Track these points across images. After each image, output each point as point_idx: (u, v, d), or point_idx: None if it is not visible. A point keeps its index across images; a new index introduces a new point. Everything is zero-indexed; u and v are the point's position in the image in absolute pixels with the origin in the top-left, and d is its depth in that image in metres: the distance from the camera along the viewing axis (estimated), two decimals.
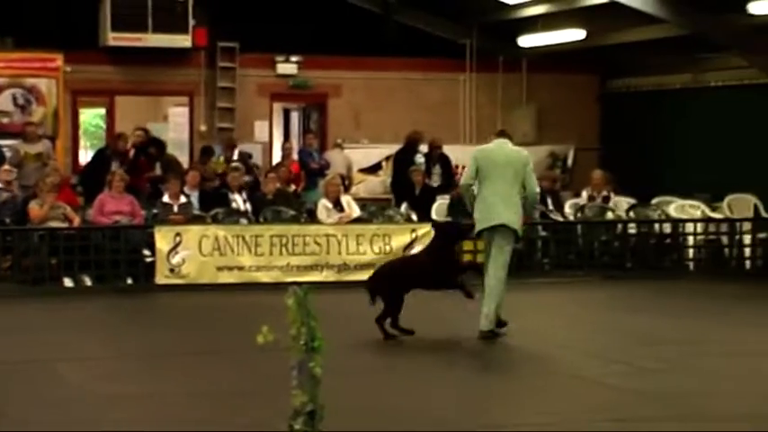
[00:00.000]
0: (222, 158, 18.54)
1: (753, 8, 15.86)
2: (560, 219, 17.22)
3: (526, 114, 21.89)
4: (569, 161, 21.70)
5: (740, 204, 17.61)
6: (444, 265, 11.15)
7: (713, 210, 17.61)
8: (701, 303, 13.63)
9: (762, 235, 16.57)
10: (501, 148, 11.21)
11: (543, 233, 16.34)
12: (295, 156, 19.54)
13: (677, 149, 20.29)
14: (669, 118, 20.54)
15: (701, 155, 19.63)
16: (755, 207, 17.46)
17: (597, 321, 12.02)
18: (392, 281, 11.01)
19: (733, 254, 16.78)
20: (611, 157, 21.28)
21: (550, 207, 17.53)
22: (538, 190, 11.30)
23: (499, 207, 10.99)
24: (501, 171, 11.00)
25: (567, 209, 17.86)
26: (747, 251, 16.54)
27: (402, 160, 18.95)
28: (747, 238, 16.50)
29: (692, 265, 16.57)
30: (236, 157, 18.58)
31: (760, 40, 17.39)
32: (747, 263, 16.54)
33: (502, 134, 11.50)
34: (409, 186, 17.81)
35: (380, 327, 10.87)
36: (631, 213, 17.35)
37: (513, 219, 10.98)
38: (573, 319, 12.55)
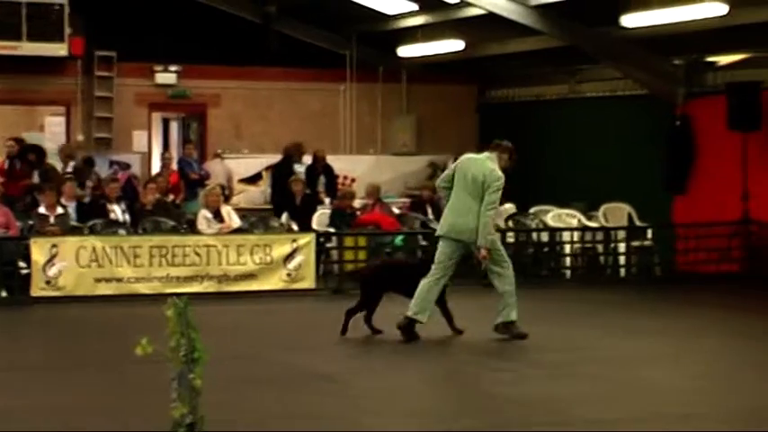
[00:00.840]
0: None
1: (625, 21, 16.21)
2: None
3: (406, 124, 22.01)
4: None
5: (615, 213, 17.94)
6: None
7: (589, 218, 17.91)
8: (577, 310, 13.82)
9: (636, 243, 16.92)
10: (482, 160, 11.31)
11: (423, 243, 16.42)
12: (174, 166, 19.34)
13: (554, 159, 20.60)
14: (546, 128, 20.86)
15: (577, 164, 19.97)
16: (629, 216, 17.83)
17: (474, 329, 12.08)
18: (382, 279, 11.40)
19: (608, 262, 17.08)
20: None
21: (431, 216, 17.66)
22: (490, 213, 11.07)
23: (455, 216, 11.26)
24: (470, 181, 11.16)
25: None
26: (622, 259, 16.84)
27: (280, 171, 18.94)
28: (622, 247, 16.81)
29: (568, 273, 16.82)
30: (70, 169, 18.21)
31: (632, 52, 17.77)
32: (622, 270, 16.85)
33: (492, 148, 11.49)
34: (289, 197, 17.79)
35: (368, 324, 11.38)
36: (510, 222, 17.56)
37: (468, 232, 11.11)
38: (446, 325, 12.60)
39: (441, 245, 11.45)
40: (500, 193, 11.13)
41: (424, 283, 11.24)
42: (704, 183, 17.78)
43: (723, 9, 14.94)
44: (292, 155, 19.15)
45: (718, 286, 15.90)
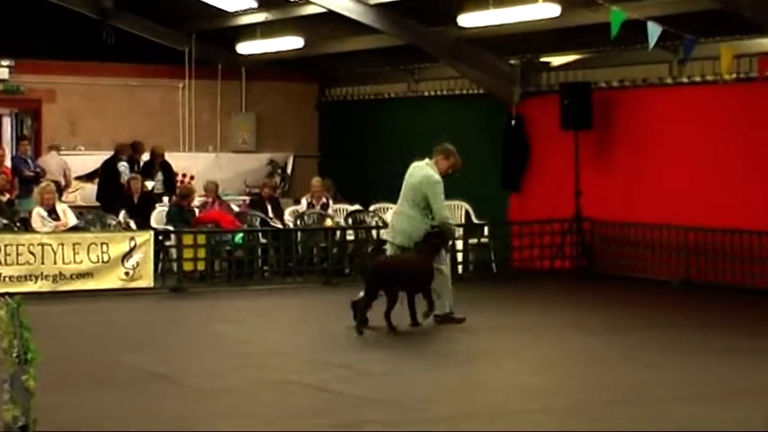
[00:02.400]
0: None
1: (462, 21, 16.41)
2: (280, 226, 17.33)
3: (245, 122, 21.90)
4: (288, 168, 21.87)
5: (453, 210, 18.08)
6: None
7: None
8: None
9: (473, 240, 17.14)
10: (422, 167, 11.80)
11: (263, 240, 16.38)
12: (8, 163, 18.80)
13: (394, 157, 20.62)
14: (386, 126, 21.00)
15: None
16: (467, 213, 18.03)
17: (318, 327, 12.12)
18: (391, 277, 11.50)
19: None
20: (330, 164, 21.59)
21: (270, 214, 17.63)
22: (445, 218, 11.68)
23: (399, 225, 11.79)
24: (409, 188, 11.73)
25: (287, 216, 17.99)
26: (460, 256, 17.01)
27: (107, 169, 18.65)
28: (459, 244, 16.98)
29: None
30: None
31: (469, 51, 18.02)
32: (460, 267, 16.98)
33: (434, 153, 11.94)
34: (125, 194, 17.54)
35: (388, 321, 11.36)
36: (350, 220, 17.62)
37: (408, 239, 11.54)
38: (292, 325, 12.63)
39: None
40: (442, 195, 11.68)
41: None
42: (538, 181, 18.13)
43: (556, 10, 15.24)
44: (119, 152, 18.85)
45: (552, 282, 16.22)
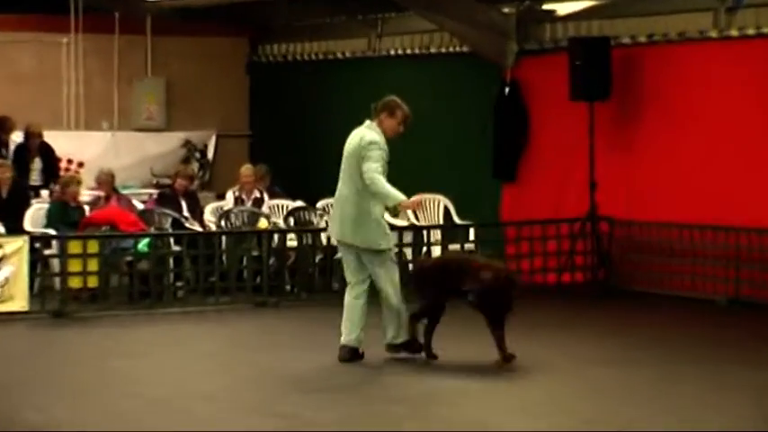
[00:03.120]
0: None
1: None
2: (199, 228, 17.31)
3: (152, 90, 21.83)
4: (209, 152, 21.79)
5: (427, 207, 18.20)
6: None
7: (394, 215, 17.99)
8: (378, 337, 13.84)
9: (454, 247, 17.04)
10: (357, 132, 12.14)
11: (176, 248, 16.30)
12: None
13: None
14: (339, 95, 20.94)
15: None
16: (446, 211, 18.12)
17: (249, 363, 12.06)
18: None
19: None
20: (265, 146, 21.51)
21: (186, 213, 17.60)
22: (372, 177, 11.75)
23: (342, 214, 12.07)
24: (346, 164, 12.06)
25: (208, 215, 17.91)
26: None
27: None
28: (437, 251, 16.94)
29: None
30: None
31: None
32: None
33: (373, 112, 12.20)
34: None
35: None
36: (291, 220, 17.57)
37: (355, 234, 11.87)
38: (217, 360, 12.56)
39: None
40: (377, 155, 11.82)
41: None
42: (540, 168, 18.22)
43: None
44: None
45: (558, 302, 16.30)
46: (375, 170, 11.76)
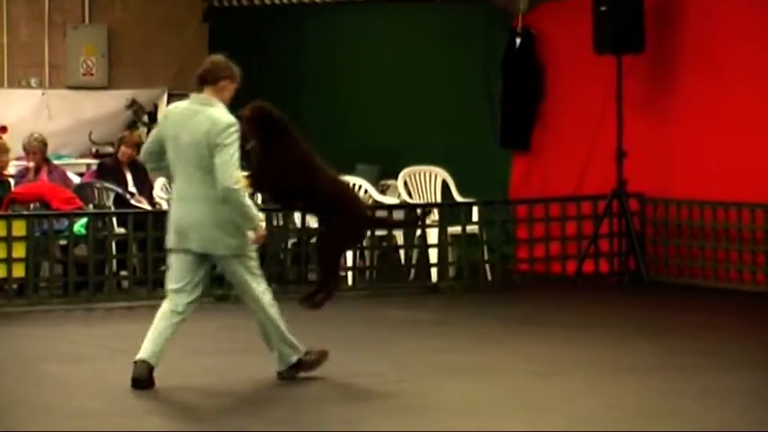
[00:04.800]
0: None
1: None
2: (147, 206, 17.28)
3: (90, 40, 21.76)
4: (160, 115, 21.64)
5: (422, 182, 18.16)
6: None
7: (382, 191, 18.00)
8: (365, 336, 14.00)
9: (455, 229, 17.04)
10: (196, 111, 11.13)
11: (120, 230, 16.17)
12: None
13: (326, 97, 20.61)
14: (315, 46, 20.96)
15: (361, 106, 20.15)
16: (445, 185, 18.07)
17: (203, 371, 11.91)
18: None
19: (412, 258, 17.26)
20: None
21: (131, 187, 17.63)
22: (228, 184, 10.86)
23: (185, 216, 11.21)
24: (182, 152, 11.08)
25: (158, 191, 17.77)
26: (433, 254, 16.99)
27: None
28: (434, 235, 16.93)
29: (349, 276, 16.92)
30: None
31: None
32: (433, 272, 17.01)
33: (208, 79, 11.28)
34: None
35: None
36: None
37: (212, 238, 11.14)
38: (167, 368, 12.40)
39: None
40: (236, 145, 11.01)
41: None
42: (557, 135, 18.22)
43: None
44: None
45: (579, 295, 16.32)
46: (237, 177, 11.01)
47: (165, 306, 11.38)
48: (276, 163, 11.64)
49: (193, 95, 11.31)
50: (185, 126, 11.08)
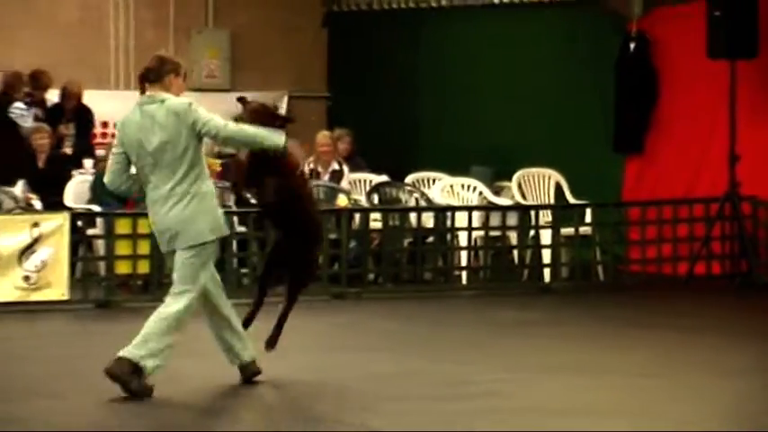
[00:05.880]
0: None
1: None
2: None
3: (213, 44, 21.92)
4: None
5: (536, 184, 18.19)
6: None
7: (497, 193, 18.03)
8: (478, 336, 13.87)
9: (568, 230, 17.06)
10: (151, 114, 10.73)
11: (241, 228, 16.30)
12: None
13: (443, 101, 20.64)
14: (430, 53, 20.96)
15: (478, 109, 20.13)
16: (558, 188, 18.10)
17: (320, 364, 12.02)
18: None
19: (525, 259, 17.26)
20: (345, 110, 21.48)
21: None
22: (228, 127, 10.74)
23: (169, 220, 10.80)
24: (158, 157, 10.69)
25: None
26: (546, 255, 17.01)
27: None
28: (547, 236, 16.96)
29: (464, 276, 16.92)
30: None
31: None
32: (547, 273, 17.02)
33: (150, 77, 10.85)
34: (23, 155, 17.52)
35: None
36: (375, 197, 17.53)
37: (191, 232, 10.76)
38: (283, 364, 12.51)
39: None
40: (202, 109, 10.71)
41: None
42: (670, 138, 18.17)
43: None
44: (10, 89, 18.88)
45: (692, 297, 16.24)
46: (224, 122, 10.77)
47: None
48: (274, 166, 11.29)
49: (139, 99, 10.82)
50: (151, 129, 10.69)
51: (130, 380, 10.57)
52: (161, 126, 10.65)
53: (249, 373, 11.13)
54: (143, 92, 10.79)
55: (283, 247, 11.55)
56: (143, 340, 10.67)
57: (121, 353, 10.57)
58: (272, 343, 11.40)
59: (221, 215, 10.91)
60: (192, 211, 10.75)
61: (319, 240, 12.17)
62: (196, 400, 10.95)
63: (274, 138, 10.94)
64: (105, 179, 11.18)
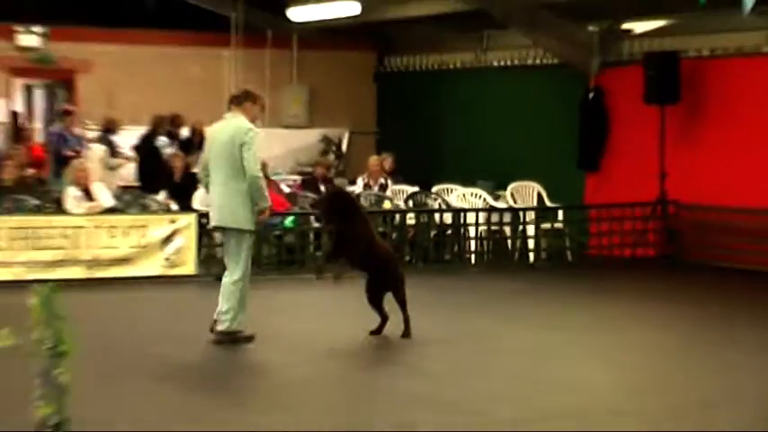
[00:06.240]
0: None
1: None
2: None
3: (297, 95, 21.95)
4: (344, 146, 21.90)
5: (523, 192, 18.16)
6: None
7: (496, 198, 18.04)
8: (483, 300, 13.88)
9: (545, 225, 17.06)
10: (227, 123, 10.80)
11: (316, 224, 16.35)
12: (40, 138, 18.88)
13: (458, 133, 20.71)
14: (450, 99, 20.96)
15: (483, 139, 20.14)
16: (539, 195, 18.03)
17: (375, 321, 12.08)
18: None
19: (516, 246, 17.22)
20: (389, 141, 21.56)
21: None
22: (256, 173, 10.58)
23: (217, 200, 10.81)
24: (220, 152, 10.68)
25: None
26: (531, 243, 16.98)
27: (145, 146, 18.75)
28: (531, 229, 16.95)
29: (473, 257, 16.93)
30: None
31: (543, 17, 17.90)
32: (531, 255, 16.98)
33: (235, 101, 10.89)
34: (167, 173, 17.63)
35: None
36: (410, 203, 17.60)
37: (231, 216, 10.69)
38: (347, 318, 12.59)
39: (225, 236, 11.06)
40: (255, 144, 10.59)
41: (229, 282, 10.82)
42: (619, 160, 18.05)
43: None
44: (157, 127, 18.96)
45: (633, 272, 16.19)
46: (258, 168, 10.64)
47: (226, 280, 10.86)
48: (350, 236, 11.02)
49: (226, 114, 10.89)
50: (221, 133, 10.72)
51: (238, 339, 10.64)
52: (226, 133, 10.67)
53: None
54: (230, 110, 10.85)
55: (372, 283, 11.24)
56: (222, 311, 10.67)
57: (217, 327, 10.65)
58: (406, 335, 11.04)
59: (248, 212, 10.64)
60: (231, 201, 10.65)
61: (395, 274, 11.34)
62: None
63: (262, 201, 10.68)
64: (199, 167, 11.26)
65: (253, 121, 10.81)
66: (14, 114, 21.53)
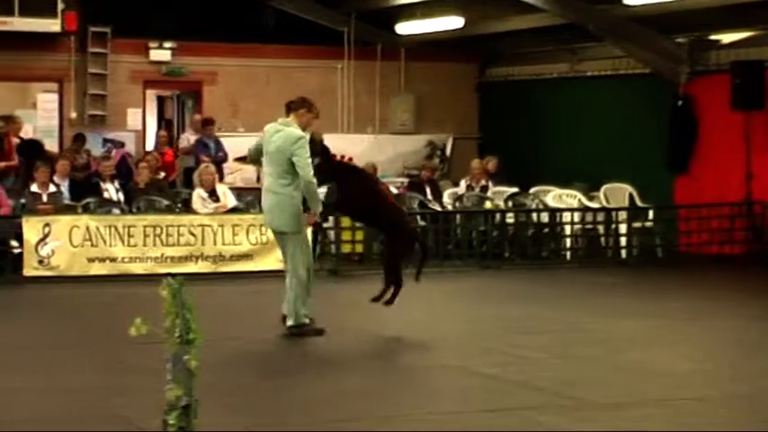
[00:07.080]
0: None
1: None
2: (439, 208, 17.32)
3: (405, 103, 21.95)
4: (448, 150, 21.87)
5: (616, 193, 17.97)
6: None
7: (590, 199, 17.91)
8: (577, 293, 13.82)
9: (637, 224, 16.89)
10: (281, 131, 10.53)
11: (422, 223, 16.39)
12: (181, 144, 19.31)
13: (555, 139, 20.56)
14: (547, 107, 20.80)
15: (578, 144, 19.94)
16: (630, 196, 17.84)
17: (475, 311, 12.09)
18: None
19: (609, 243, 17.07)
20: (490, 146, 21.47)
21: (429, 197, 17.68)
22: (310, 179, 10.33)
23: (266, 204, 10.67)
24: (270, 157, 10.51)
25: (446, 198, 18.01)
26: (623, 240, 16.82)
27: None
28: (623, 228, 16.79)
29: (568, 254, 16.81)
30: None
31: (635, 30, 17.73)
32: (623, 252, 16.83)
33: (290, 107, 10.65)
34: None
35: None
36: (509, 203, 17.54)
37: (278, 218, 10.55)
38: (450, 309, 12.61)
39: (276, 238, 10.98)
40: (306, 150, 10.35)
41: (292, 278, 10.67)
42: (707, 163, 17.79)
43: None
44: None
45: (720, 268, 15.96)
46: (311, 173, 10.33)
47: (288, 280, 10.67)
48: (352, 193, 11.04)
49: (280, 119, 10.65)
50: (272, 139, 10.50)
51: (306, 332, 10.51)
52: (278, 139, 10.46)
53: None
54: (287, 115, 10.59)
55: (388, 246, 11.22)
56: (289, 309, 10.52)
57: (287, 322, 10.52)
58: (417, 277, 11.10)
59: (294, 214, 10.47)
60: (278, 205, 10.49)
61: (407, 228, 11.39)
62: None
63: (315, 205, 10.55)
64: (250, 149, 10.98)
65: (304, 128, 10.58)
66: (168, 123, 22.01)
